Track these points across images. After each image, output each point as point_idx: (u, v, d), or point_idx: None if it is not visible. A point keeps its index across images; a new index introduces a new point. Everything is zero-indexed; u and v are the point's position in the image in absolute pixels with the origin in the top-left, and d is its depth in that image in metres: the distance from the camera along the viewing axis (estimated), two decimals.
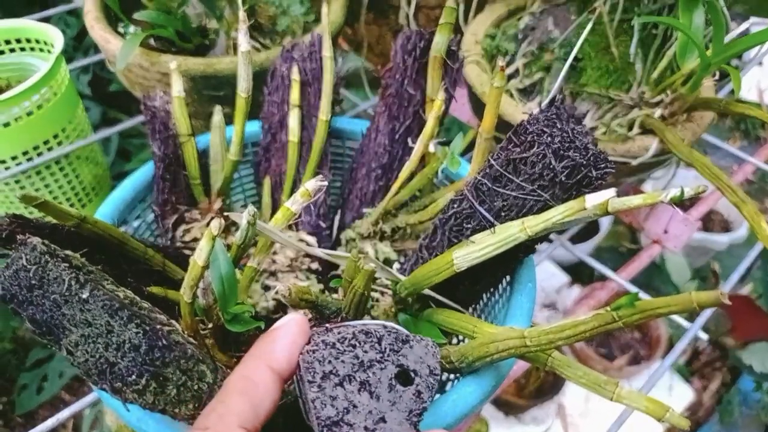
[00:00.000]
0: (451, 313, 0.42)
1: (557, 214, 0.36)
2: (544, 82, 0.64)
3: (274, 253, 0.52)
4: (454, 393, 0.37)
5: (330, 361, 0.29)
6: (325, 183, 0.37)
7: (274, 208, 0.54)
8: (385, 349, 0.30)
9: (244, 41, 0.42)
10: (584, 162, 0.37)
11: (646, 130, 0.58)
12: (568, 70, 0.64)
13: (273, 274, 0.52)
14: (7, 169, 0.67)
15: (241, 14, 0.42)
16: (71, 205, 0.75)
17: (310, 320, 0.44)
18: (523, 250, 0.43)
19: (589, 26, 0.57)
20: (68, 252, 0.34)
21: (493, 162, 0.40)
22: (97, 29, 0.58)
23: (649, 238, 0.71)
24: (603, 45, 0.62)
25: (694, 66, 0.54)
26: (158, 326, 0.30)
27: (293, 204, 0.38)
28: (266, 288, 0.53)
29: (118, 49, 0.57)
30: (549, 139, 0.38)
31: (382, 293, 0.46)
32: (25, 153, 0.67)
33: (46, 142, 0.68)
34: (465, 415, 0.36)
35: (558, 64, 0.63)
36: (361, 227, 0.52)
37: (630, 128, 0.57)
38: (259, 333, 0.43)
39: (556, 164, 0.37)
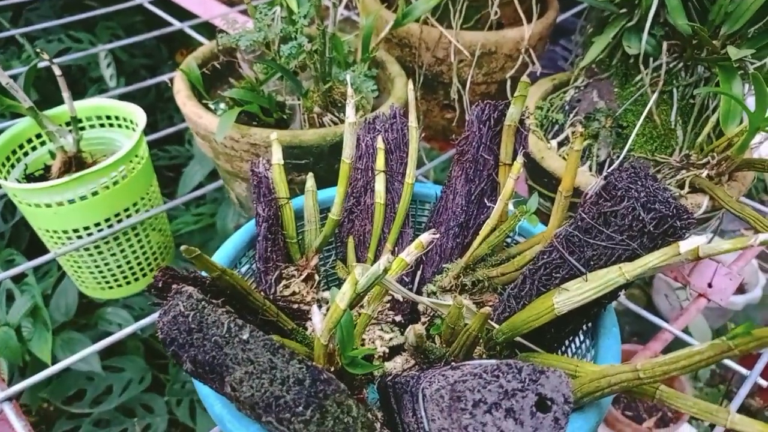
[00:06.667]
0: (548, 356, 0.45)
1: (654, 259, 0.40)
2: (593, 147, 0.69)
3: (361, 306, 0.56)
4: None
5: (479, 390, 0.32)
6: (437, 236, 0.42)
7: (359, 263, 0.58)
8: (525, 378, 0.33)
9: (351, 113, 0.47)
10: (670, 213, 0.42)
11: (694, 189, 0.63)
12: (614, 137, 0.70)
13: None
14: (89, 235, 0.71)
15: (349, 90, 0.48)
16: (141, 270, 0.78)
17: (413, 366, 0.47)
18: (608, 297, 0.47)
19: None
20: (213, 300, 0.38)
21: (584, 215, 0.44)
22: (190, 106, 0.64)
23: (695, 292, 0.75)
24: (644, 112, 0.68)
25: (737, 130, 0.59)
26: (315, 363, 0.34)
27: (407, 255, 0.42)
28: None
29: (209, 122, 0.62)
30: (636, 193, 0.42)
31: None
32: (107, 220, 0.71)
33: (126, 210, 0.72)
34: None
35: (605, 132, 0.69)
36: (442, 281, 0.55)
37: (681, 187, 0.62)
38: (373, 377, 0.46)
39: (645, 216, 0.42)
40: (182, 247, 0.36)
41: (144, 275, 0.79)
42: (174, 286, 0.38)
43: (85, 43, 1.63)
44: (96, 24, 1.70)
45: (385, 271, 0.37)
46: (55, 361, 1.16)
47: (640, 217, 0.42)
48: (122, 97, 0.80)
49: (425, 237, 0.42)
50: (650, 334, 0.71)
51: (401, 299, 0.56)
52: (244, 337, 0.35)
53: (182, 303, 0.37)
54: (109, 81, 1.64)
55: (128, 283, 0.78)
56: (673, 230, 0.42)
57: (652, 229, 0.42)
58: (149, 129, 0.74)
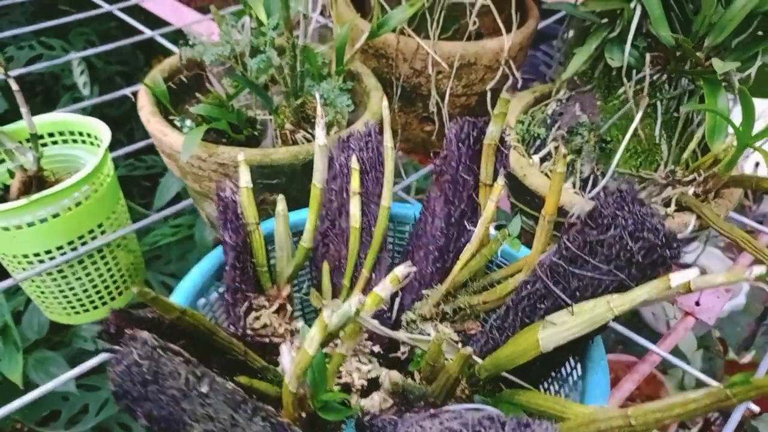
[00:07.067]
0: (534, 394, 0.42)
1: (643, 293, 0.37)
2: (576, 163, 0.67)
3: (337, 338, 0.53)
4: None
5: None
6: (414, 268, 0.39)
7: (334, 291, 0.55)
8: None
9: (321, 135, 0.45)
10: (659, 242, 0.39)
11: (680, 208, 0.61)
12: (598, 152, 0.68)
13: None
14: (51, 259, 0.67)
15: (319, 110, 0.45)
16: (109, 293, 0.75)
17: (391, 406, 0.45)
18: (596, 330, 0.44)
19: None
20: (171, 345, 0.35)
21: (569, 244, 0.41)
22: (154, 123, 0.61)
23: (682, 311, 0.73)
24: (629, 128, 0.66)
25: (724, 146, 0.57)
26: (280, 419, 0.31)
27: (382, 290, 0.39)
28: None
29: (175, 141, 0.59)
30: (624, 221, 0.40)
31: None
32: (70, 243, 0.68)
33: (90, 232, 0.69)
34: None
35: (588, 147, 0.67)
36: (422, 309, 0.53)
37: (667, 205, 0.60)
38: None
39: (633, 245, 0.39)
40: (134, 290, 0.33)
41: (112, 299, 0.75)
42: (128, 330, 0.35)
43: (58, 50, 1.57)
44: (69, 30, 1.65)
45: (357, 311, 0.34)
46: (27, 380, 1.11)
47: (628, 247, 0.40)
48: (97, 107, 0.76)
49: (401, 270, 0.39)
50: (635, 343, 0.68)
51: None
52: (203, 390, 0.32)
53: (136, 350, 0.34)
54: (82, 89, 1.59)
55: (95, 307, 0.74)
56: (662, 260, 0.40)
57: (640, 259, 0.40)
58: (126, 138, 0.71)
